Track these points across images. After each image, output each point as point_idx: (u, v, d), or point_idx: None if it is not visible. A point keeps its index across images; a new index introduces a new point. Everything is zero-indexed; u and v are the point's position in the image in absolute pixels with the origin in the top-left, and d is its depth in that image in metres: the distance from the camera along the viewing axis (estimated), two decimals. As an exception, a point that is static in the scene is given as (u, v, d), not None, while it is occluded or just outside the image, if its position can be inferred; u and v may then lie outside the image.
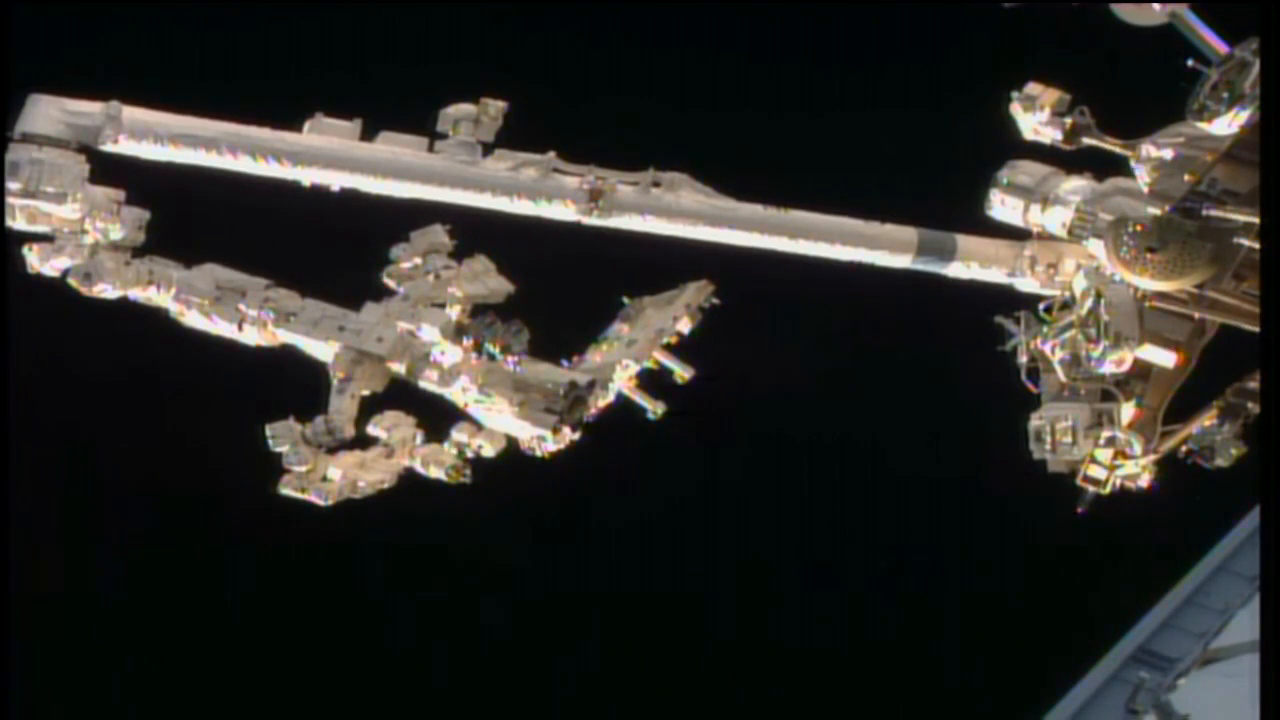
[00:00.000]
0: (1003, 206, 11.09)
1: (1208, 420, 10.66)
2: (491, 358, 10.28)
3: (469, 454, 10.63)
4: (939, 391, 16.24)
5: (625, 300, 11.04)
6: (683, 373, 10.82)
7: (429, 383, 10.44)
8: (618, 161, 10.75)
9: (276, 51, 16.69)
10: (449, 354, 10.33)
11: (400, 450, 10.60)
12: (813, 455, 17.19)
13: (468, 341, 10.27)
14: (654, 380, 10.80)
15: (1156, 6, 10.89)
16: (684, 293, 10.96)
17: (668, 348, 10.83)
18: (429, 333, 10.27)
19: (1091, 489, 10.67)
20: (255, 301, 10.45)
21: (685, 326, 10.87)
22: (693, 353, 10.93)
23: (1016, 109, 11.01)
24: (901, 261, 11.10)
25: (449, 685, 17.10)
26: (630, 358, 10.69)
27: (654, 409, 10.76)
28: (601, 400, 10.61)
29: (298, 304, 10.51)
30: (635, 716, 17.00)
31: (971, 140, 11.82)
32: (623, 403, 10.76)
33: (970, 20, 15.72)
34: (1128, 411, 10.62)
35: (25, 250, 10.28)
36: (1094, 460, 10.58)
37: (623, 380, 10.72)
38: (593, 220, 10.67)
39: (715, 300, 10.97)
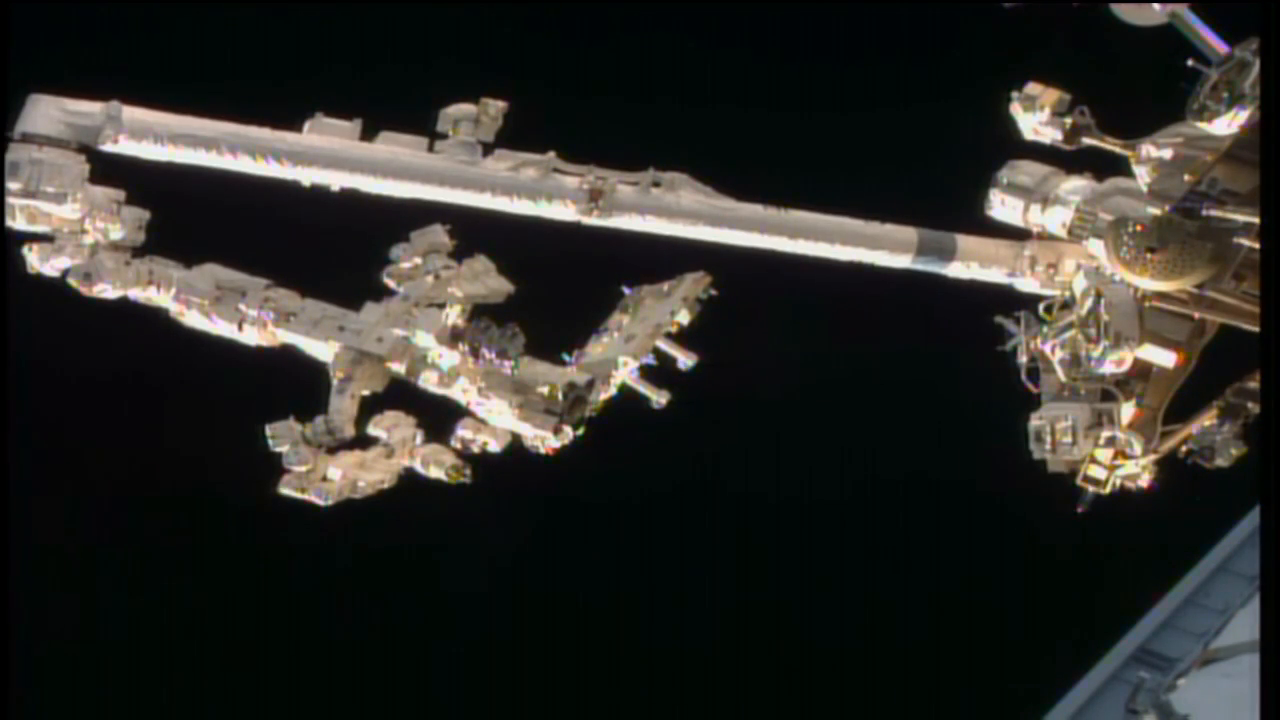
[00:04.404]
0: (1003, 206, 11.10)
1: (1208, 420, 10.66)
2: (489, 362, 10.27)
3: (474, 449, 10.62)
4: (939, 391, 16.24)
5: (624, 290, 11.04)
6: (685, 360, 10.80)
7: (429, 383, 10.44)
8: (618, 161, 10.75)
9: (276, 51, 16.69)
10: (446, 358, 10.33)
11: (400, 450, 10.60)
12: (812, 454, 17.19)
13: (464, 346, 10.26)
14: (657, 370, 10.80)
15: (1156, 6, 10.90)
16: (682, 284, 10.95)
17: (669, 337, 10.81)
18: (424, 338, 10.27)
19: (1091, 489, 10.67)
20: (255, 301, 10.44)
21: (684, 319, 10.86)
22: (691, 351, 10.93)
23: (1016, 109, 11.02)
24: (901, 261, 11.10)
25: (449, 684, 17.10)
26: (629, 354, 10.68)
27: (657, 398, 10.74)
28: (603, 394, 10.61)
29: (298, 304, 10.51)
30: (635, 715, 17.00)
31: (971, 140, 11.83)
32: (625, 394, 10.75)
33: (970, 20, 15.72)
34: (1128, 411, 10.62)
35: (25, 250, 10.28)
36: (1094, 460, 10.58)
37: (623, 374, 10.71)
38: (593, 220, 10.67)
39: (713, 292, 10.96)
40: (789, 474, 17.40)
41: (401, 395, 10.55)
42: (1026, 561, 16.80)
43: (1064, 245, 11.12)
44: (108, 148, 10.17)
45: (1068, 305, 10.73)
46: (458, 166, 10.58)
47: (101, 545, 16.90)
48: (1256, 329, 10.30)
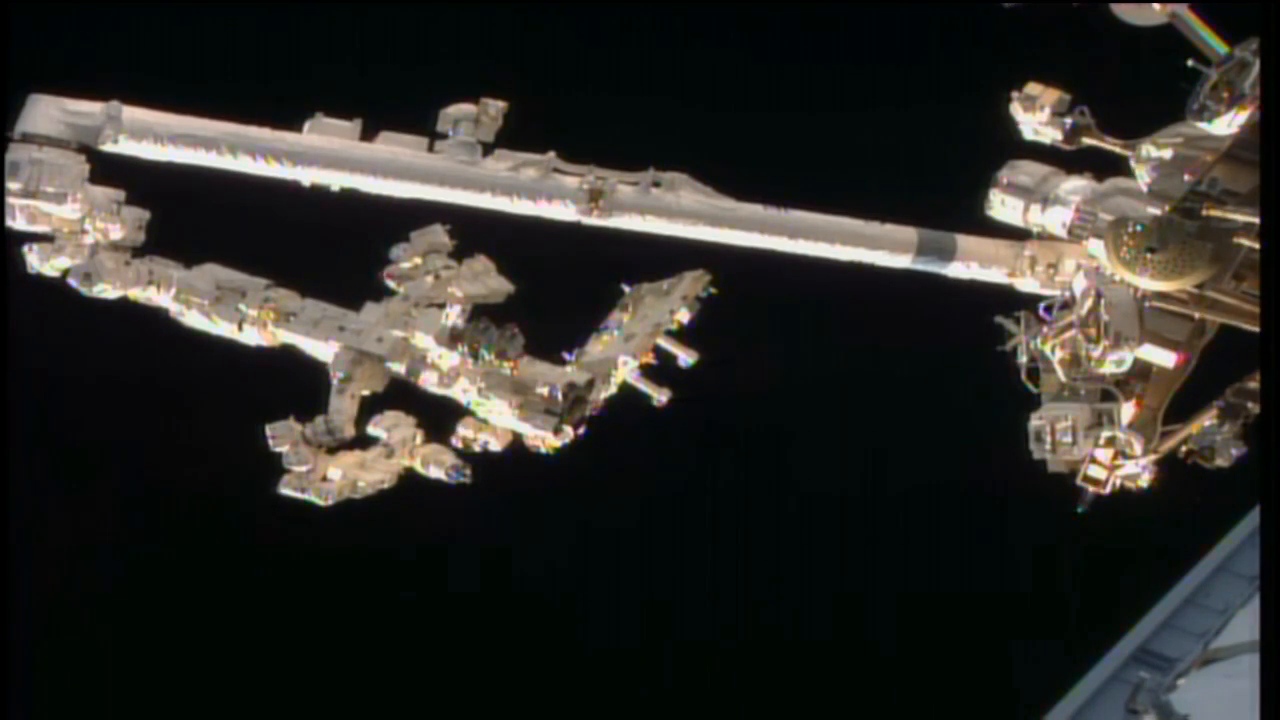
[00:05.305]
0: (1003, 206, 11.09)
1: (1208, 420, 10.65)
2: (489, 364, 10.27)
3: (475, 448, 10.62)
4: (939, 391, 16.24)
5: (625, 288, 11.03)
6: (687, 357, 10.79)
7: (429, 383, 10.44)
8: (618, 161, 10.75)
9: (276, 51, 16.69)
10: (445, 359, 10.32)
11: (400, 450, 10.59)
12: (812, 455, 17.19)
13: (463, 348, 10.26)
14: (658, 368, 10.79)
15: (1156, 6, 10.88)
16: (681, 282, 10.95)
17: (669, 335, 10.81)
18: (423, 340, 10.27)
19: (1091, 489, 10.66)
20: (255, 301, 10.44)
21: (684, 317, 10.86)
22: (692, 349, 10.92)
23: (1016, 109, 11.01)
24: (901, 261, 11.10)
25: (449, 685, 17.10)
26: (629, 353, 10.67)
27: (659, 396, 10.73)
28: (603, 393, 10.60)
29: (298, 304, 10.51)
30: (635, 715, 16.99)
31: (971, 140, 11.82)
32: (626, 392, 10.74)
33: (970, 20, 15.72)
34: (1128, 411, 10.61)
35: (25, 250, 10.27)
36: (1094, 460, 10.58)
37: (624, 373, 10.70)
38: (593, 220, 10.66)
39: (713, 290, 10.96)
40: (788, 474, 17.40)
41: (401, 395, 10.55)
42: (1026, 561, 16.80)
43: (1064, 245, 11.11)
44: (108, 148, 10.17)
45: (1068, 305, 10.72)
46: (458, 166, 10.57)
47: (101, 545, 16.90)
48: (1256, 329, 10.29)
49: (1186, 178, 10.56)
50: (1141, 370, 10.64)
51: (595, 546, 17.10)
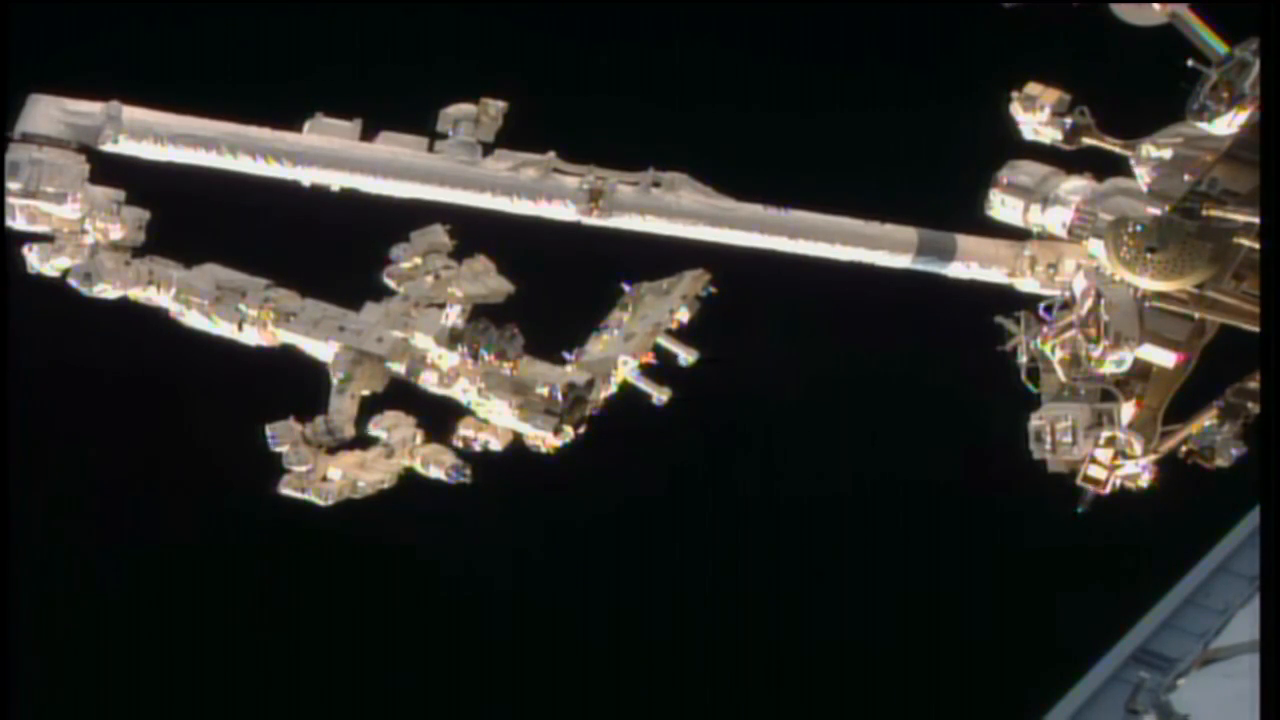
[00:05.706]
0: (1003, 206, 11.09)
1: (1208, 420, 10.65)
2: (488, 364, 10.27)
3: (475, 448, 10.62)
4: (939, 391, 16.24)
5: (625, 287, 11.03)
6: (687, 356, 10.79)
7: (429, 383, 10.44)
8: (618, 161, 10.75)
9: (276, 51, 16.70)
10: (445, 359, 10.33)
11: (400, 450, 10.59)
12: (811, 455, 17.19)
13: (463, 348, 10.25)
14: (658, 368, 10.79)
15: (1156, 6, 10.88)
16: (681, 282, 10.94)
17: (669, 334, 10.80)
18: (423, 340, 10.27)
19: (1091, 489, 10.65)
20: (255, 301, 10.44)
21: (684, 316, 10.85)
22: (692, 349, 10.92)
23: (1016, 109, 11.01)
24: (901, 261, 11.10)
25: (448, 685, 17.10)
26: (629, 353, 10.67)
27: (659, 396, 10.73)
28: (604, 393, 10.60)
29: (298, 304, 10.50)
30: (634, 714, 17.00)
31: (971, 140, 11.83)
32: (627, 392, 10.74)
33: (970, 20, 15.72)
34: (1128, 411, 10.61)
35: (25, 250, 10.27)
36: (1094, 460, 10.57)
37: (624, 372, 10.70)
38: (593, 220, 10.66)
39: (712, 289, 10.95)
40: (788, 473, 17.40)
41: (401, 395, 10.55)
42: (1026, 562, 16.80)
43: (1064, 245, 11.11)
44: (108, 148, 10.16)
45: (1068, 305, 10.72)
46: (458, 166, 10.57)
47: (101, 545, 16.90)
48: (1256, 329, 10.29)
49: (1186, 178, 10.56)
50: (1141, 370, 10.64)
51: (594, 546, 17.10)
